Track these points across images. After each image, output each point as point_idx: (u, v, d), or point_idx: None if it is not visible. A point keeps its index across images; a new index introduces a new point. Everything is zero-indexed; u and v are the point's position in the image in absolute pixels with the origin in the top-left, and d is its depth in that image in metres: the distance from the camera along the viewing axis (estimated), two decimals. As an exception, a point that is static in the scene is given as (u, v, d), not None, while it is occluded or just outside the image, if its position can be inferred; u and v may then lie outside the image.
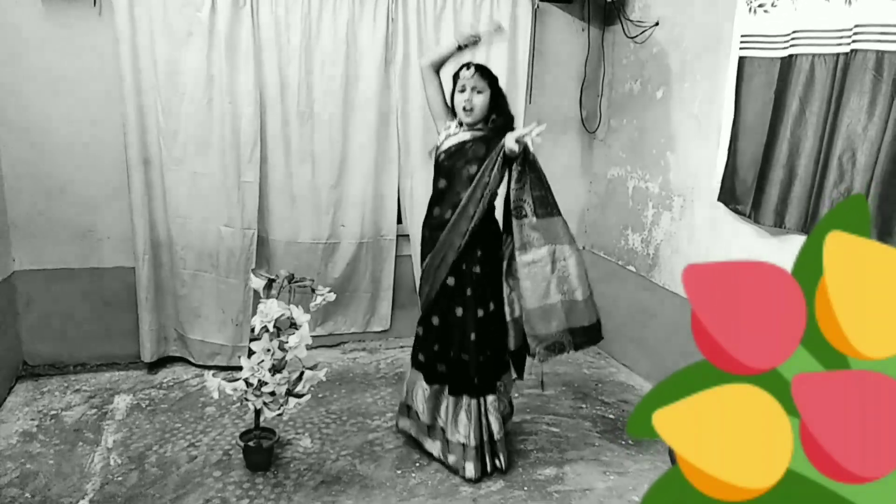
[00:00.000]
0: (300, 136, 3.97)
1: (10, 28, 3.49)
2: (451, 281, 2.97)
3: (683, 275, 0.66)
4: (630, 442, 3.38)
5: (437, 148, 3.01)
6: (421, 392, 3.10)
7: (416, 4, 3.96)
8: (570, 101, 4.49)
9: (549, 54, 4.37)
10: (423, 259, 3.10)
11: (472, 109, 2.85)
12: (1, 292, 3.59)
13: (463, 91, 2.86)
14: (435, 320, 3.03)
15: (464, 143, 2.92)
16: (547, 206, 2.79)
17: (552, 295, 2.77)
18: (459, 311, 2.97)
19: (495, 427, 3.03)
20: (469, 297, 2.95)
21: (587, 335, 2.87)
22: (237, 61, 3.74)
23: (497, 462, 3.06)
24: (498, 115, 2.94)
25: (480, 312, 2.96)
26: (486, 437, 3.02)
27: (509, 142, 2.66)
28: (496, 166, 2.77)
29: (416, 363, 3.14)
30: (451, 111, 3.02)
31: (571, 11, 4.36)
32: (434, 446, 3.12)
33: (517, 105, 4.11)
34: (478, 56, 4.10)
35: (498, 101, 2.93)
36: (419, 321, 3.13)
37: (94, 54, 3.62)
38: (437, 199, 3.03)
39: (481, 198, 2.82)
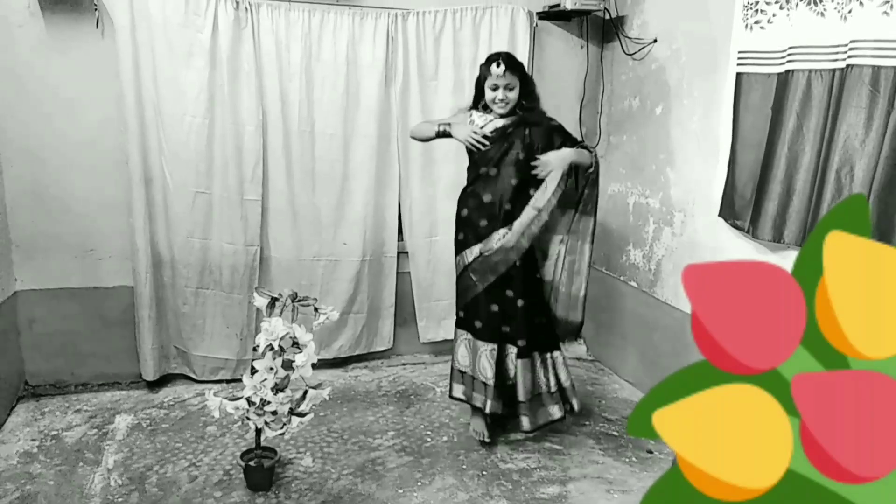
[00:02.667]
0: (301, 154, 4.00)
1: (12, 48, 3.52)
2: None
3: (683, 274, 0.67)
4: (634, 459, 3.36)
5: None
6: (485, 357, 3.27)
7: (416, 23, 4.00)
8: (570, 118, 4.51)
9: (548, 72, 4.40)
10: (458, 240, 3.32)
11: (506, 104, 3.03)
12: (3, 312, 3.58)
13: (496, 89, 3.02)
14: (509, 293, 3.25)
15: (504, 128, 3.14)
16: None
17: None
18: (510, 293, 3.25)
19: (563, 376, 3.38)
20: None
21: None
22: (239, 81, 3.77)
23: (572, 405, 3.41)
24: (528, 101, 3.15)
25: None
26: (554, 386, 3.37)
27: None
28: (562, 186, 3.14)
29: (473, 330, 3.32)
30: (475, 103, 3.23)
31: (570, 29, 4.40)
32: (495, 405, 3.28)
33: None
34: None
35: (527, 89, 3.11)
36: (469, 304, 3.34)
37: (97, 75, 3.65)
38: (486, 184, 3.20)
39: (544, 221, 3.16)
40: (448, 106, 4.11)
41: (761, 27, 3.04)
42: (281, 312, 2.92)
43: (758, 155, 3.08)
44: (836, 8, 2.67)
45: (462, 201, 3.30)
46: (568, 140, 3.22)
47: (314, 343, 2.90)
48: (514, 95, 3.02)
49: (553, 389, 3.35)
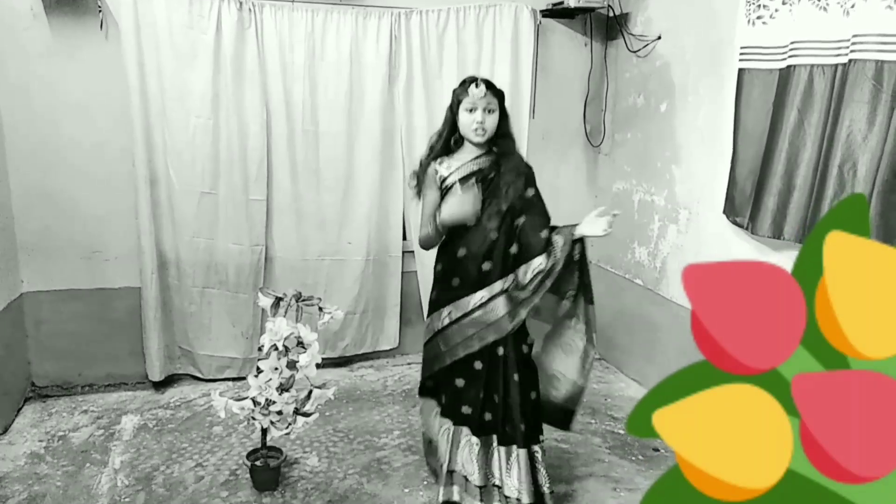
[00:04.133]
0: (305, 153, 4.00)
1: (17, 52, 3.54)
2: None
3: (683, 274, 0.67)
4: (641, 458, 3.35)
5: (444, 180, 2.74)
6: (468, 450, 2.77)
7: (419, 22, 4.00)
8: (574, 116, 4.51)
9: (552, 69, 4.39)
10: (430, 300, 2.88)
11: (484, 131, 2.64)
12: (10, 314, 3.60)
13: (472, 111, 2.63)
14: (478, 365, 2.74)
15: (483, 172, 2.71)
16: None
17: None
18: (501, 350, 2.72)
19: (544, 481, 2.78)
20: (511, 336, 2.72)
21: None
22: (243, 81, 3.78)
23: None
24: (502, 137, 2.73)
25: (525, 349, 2.78)
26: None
27: (596, 230, 2.55)
28: (563, 263, 2.61)
29: (459, 418, 2.79)
30: (446, 140, 2.78)
31: (574, 27, 4.39)
32: None
33: (521, 120, 4.13)
34: (481, 73, 4.14)
35: (504, 121, 2.72)
36: (456, 373, 2.80)
37: (101, 77, 3.66)
38: (462, 236, 2.73)
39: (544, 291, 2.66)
40: (445, 105, 4.09)
41: (763, 22, 3.03)
42: (285, 312, 2.93)
43: (758, 151, 3.07)
44: (838, 2, 2.66)
45: (438, 255, 2.86)
46: (536, 205, 2.76)
47: (319, 342, 2.91)
48: (492, 121, 2.64)
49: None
